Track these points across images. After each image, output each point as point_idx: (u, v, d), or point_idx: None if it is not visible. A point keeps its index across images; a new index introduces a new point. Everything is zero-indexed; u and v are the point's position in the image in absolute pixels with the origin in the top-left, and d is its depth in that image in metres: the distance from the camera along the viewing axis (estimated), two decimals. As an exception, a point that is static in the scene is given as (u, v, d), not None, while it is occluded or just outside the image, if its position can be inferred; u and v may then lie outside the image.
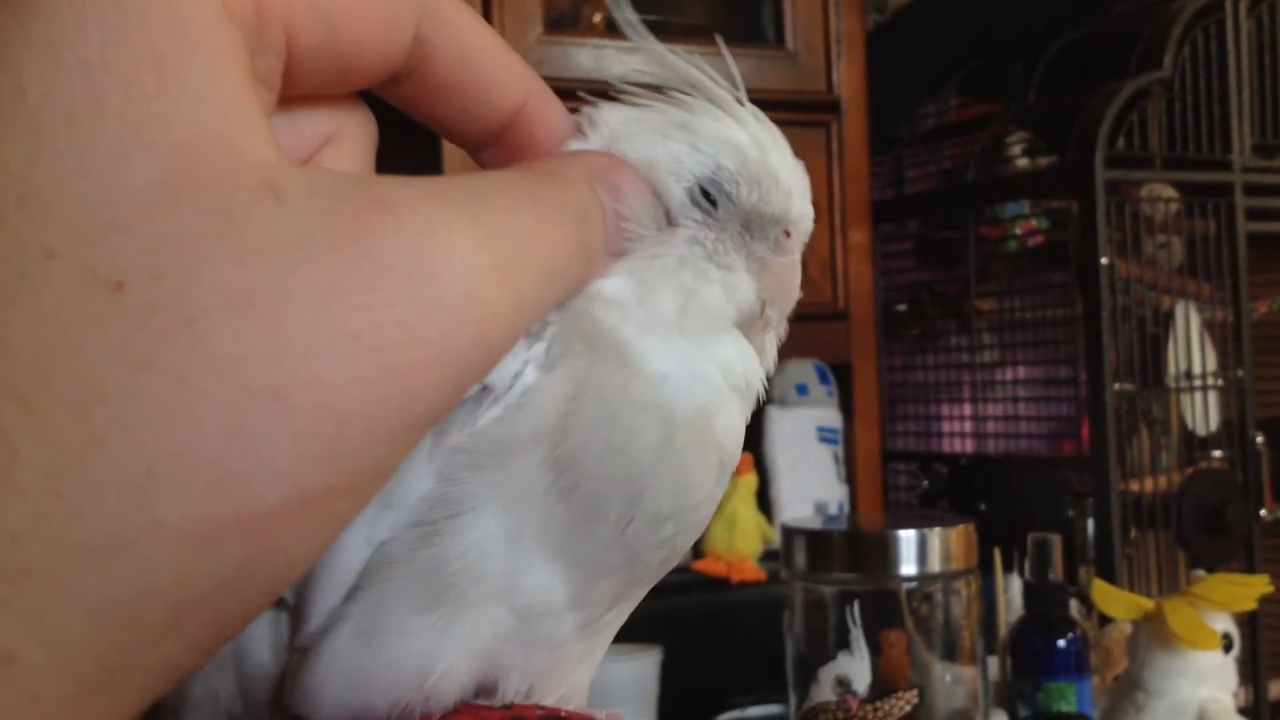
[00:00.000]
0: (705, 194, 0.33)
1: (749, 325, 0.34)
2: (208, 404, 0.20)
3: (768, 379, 0.36)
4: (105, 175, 0.21)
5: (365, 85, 0.27)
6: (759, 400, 0.35)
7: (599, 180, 0.30)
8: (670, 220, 0.33)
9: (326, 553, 0.29)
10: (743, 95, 0.35)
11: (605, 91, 0.34)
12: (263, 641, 0.31)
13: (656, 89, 0.34)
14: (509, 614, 0.31)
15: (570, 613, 0.32)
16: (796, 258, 0.35)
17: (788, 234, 0.34)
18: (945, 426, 1.87)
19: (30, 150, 0.21)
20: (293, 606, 0.30)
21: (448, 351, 0.23)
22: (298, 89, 0.25)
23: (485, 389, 0.29)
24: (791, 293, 0.35)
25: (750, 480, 1.58)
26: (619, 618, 0.34)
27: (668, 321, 0.32)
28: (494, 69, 0.29)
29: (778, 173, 0.34)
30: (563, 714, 0.31)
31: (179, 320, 0.20)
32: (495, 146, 0.31)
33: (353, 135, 0.28)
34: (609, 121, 0.33)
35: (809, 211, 0.35)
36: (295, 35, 0.24)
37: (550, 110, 0.31)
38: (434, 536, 0.30)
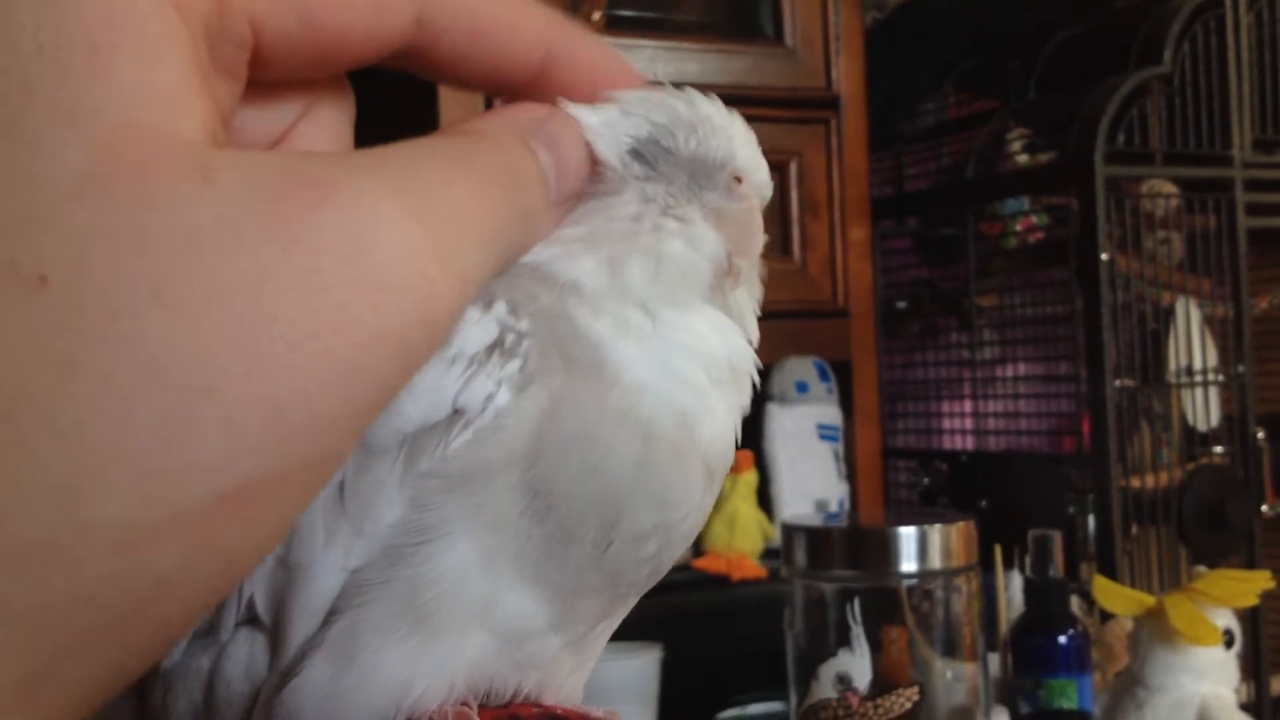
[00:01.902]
0: (646, 154, 0.33)
1: (719, 280, 0.33)
2: (135, 402, 0.20)
3: (765, 373, 0.35)
4: (32, 163, 0.20)
5: (358, 67, 0.27)
6: (756, 389, 0.34)
7: (533, 134, 0.29)
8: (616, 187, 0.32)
9: (301, 578, 0.29)
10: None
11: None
12: (238, 661, 0.30)
13: None
14: (489, 637, 0.30)
15: (554, 633, 0.31)
16: (754, 203, 0.34)
17: (738, 180, 0.34)
18: (946, 423, 1.87)
19: None
20: (269, 628, 0.30)
21: (387, 331, 0.22)
22: (275, 74, 0.25)
23: (457, 412, 0.29)
24: (755, 239, 0.34)
25: (750, 478, 1.58)
26: (608, 629, 0.34)
27: (641, 293, 0.31)
28: (507, 32, 0.28)
29: (710, 116, 0.34)
30: (559, 712, 0.31)
31: (104, 315, 0.20)
32: (532, 92, 0.30)
33: (329, 106, 0.28)
34: (591, 119, 0.32)
35: (759, 160, 0.35)
36: (262, 25, 0.24)
37: (580, 48, 0.30)
38: (408, 562, 0.29)
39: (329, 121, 0.28)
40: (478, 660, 0.30)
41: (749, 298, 0.35)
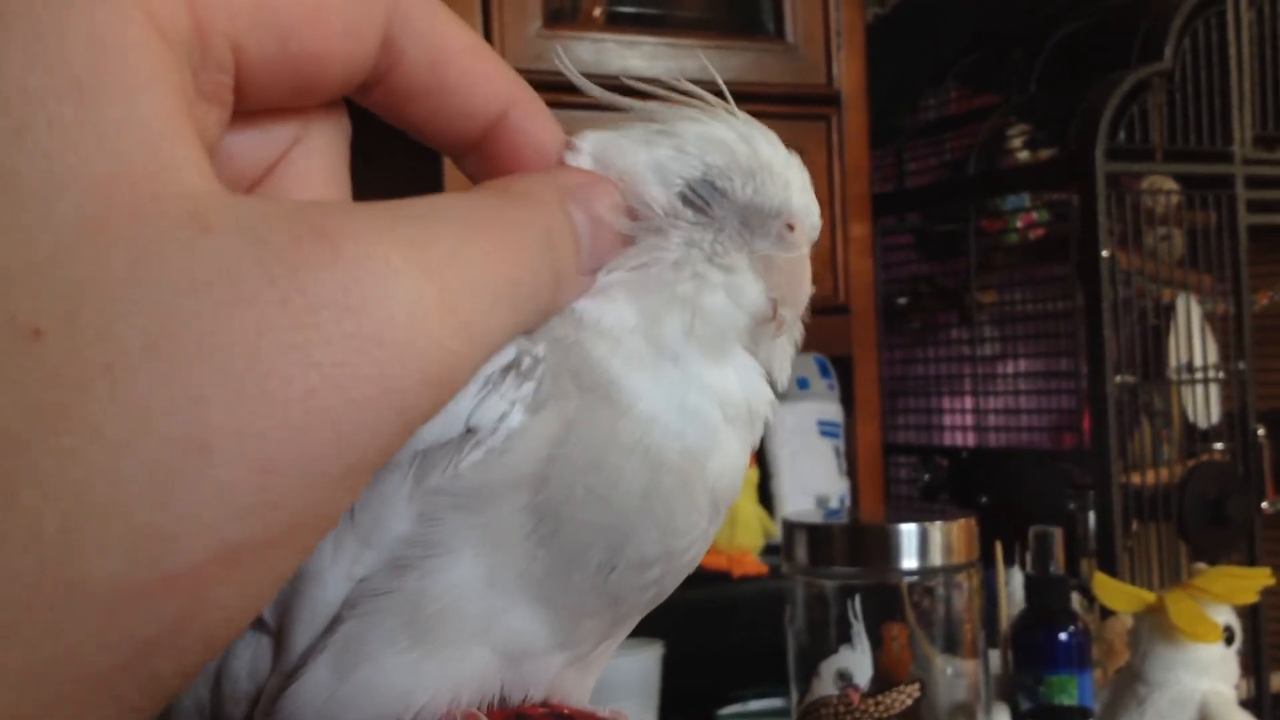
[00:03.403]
0: (698, 196, 0.32)
1: (762, 328, 0.33)
2: (126, 457, 0.19)
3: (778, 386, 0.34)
4: (25, 213, 0.20)
5: (332, 96, 0.26)
6: (768, 421, 0.34)
7: (572, 198, 0.28)
8: (662, 228, 0.32)
9: (306, 586, 0.29)
10: (726, 96, 0.34)
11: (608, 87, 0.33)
12: (242, 659, 0.31)
13: (642, 95, 0.33)
14: (491, 654, 0.30)
15: (556, 652, 0.31)
16: (804, 252, 0.33)
17: (791, 227, 0.33)
18: (946, 419, 1.87)
19: None
20: (274, 630, 0.30)
21: (388, 390, 0.21)
22: (256, 102, 0.24)
23: (470, 430, 0.29)
24: (803, 289, 0.33)
25: (751, 474, 1.58)
26: (610, 647, 0.34)
27: (675, 346, 0.31)
28: (470, 73, 0.27)
29: (770, 163, 0.33)
30: (566, 712, 0.31)
31: (97, 368, 0.19)
32: (476, 154, 0.29)
33: (322, 133, 0.27)
34: (588, 144, 0.31)
35: (812, 204, 0.34)
36: (243, 49, 0.23)
37: (537, 121, 0.29)
38: (413, 575, 0.29)
39: (322, 148, 0.27)
40: (480, 676, 0.30)
41: (788, 340, 0.34)
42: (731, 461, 0.32)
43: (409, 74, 0.26)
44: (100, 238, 0.20)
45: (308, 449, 0.20)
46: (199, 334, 0.20)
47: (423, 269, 0.22)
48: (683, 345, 0.31)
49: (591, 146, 0.31)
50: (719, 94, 0.34)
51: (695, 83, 0.33)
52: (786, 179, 0.33)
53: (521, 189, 0.27)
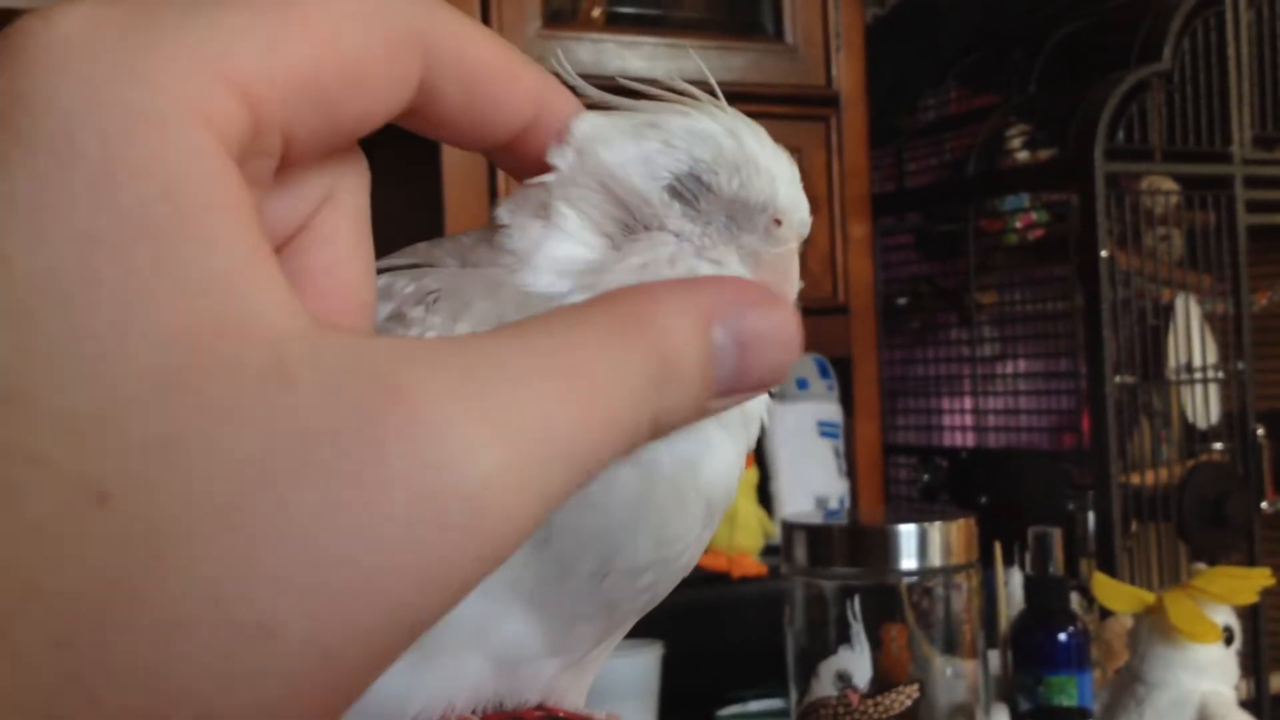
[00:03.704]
0: (685, 190, 0.32)
1: None
2: (190, 638, 0.18)
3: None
4: (99, 366, 0.19)
5: (358, 139, 0.25)
6: (764, 421, 0.34)
7: (723, 320, 0.24)
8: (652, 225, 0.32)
9: None
10: (718, 94, 0.33)
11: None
12: None
13: (636, 95, 0.33)
14: (484, 660, 0.30)
15: (550, 657, 0.31)
16: (792, 248, 0.33)
17: (778, 222, 0.33)
18: (946, 420, 1.87)
19: (18, 336, 0.19)
20: None
21: (449, 567, 0.20)
22: (289, 166, 0.23)
23: None
24: (790, 285, 0.33)
25: (750, 475, 1.58)
26: (605, 651, 0.34)
27: None
28: (501, 91, 0.26)
29: (756, 158, 0.32)
30: (561, 715, 0.31)
31: (165, 539, 0.18)
32: (508, 153, 0.28)
33: (349, 188, 0.26)
34: (577, 133, 0.31)
35: (801, 200, 0.34)
36: (291, 130, 0.22)
37: (564, 111, 0.28)
38: None
39: (349, 205, 0.26)
40: (474, 682, 0.30)
41: None
42: (726, 466, 0.32)
43: (443, 105, 0.25)
44: (177, 392, 0.19)
45: (368, 630, 0.19)
46: (269, 508, 0.19)
47: (503, 439, 0.20)
48: None
49: (581, 136, 0.31)
50: (711, 92, 0.34)
51: (692, 83, 0.33)
52: (773, 174, 0.33)
53: (644, 313, 0.23)
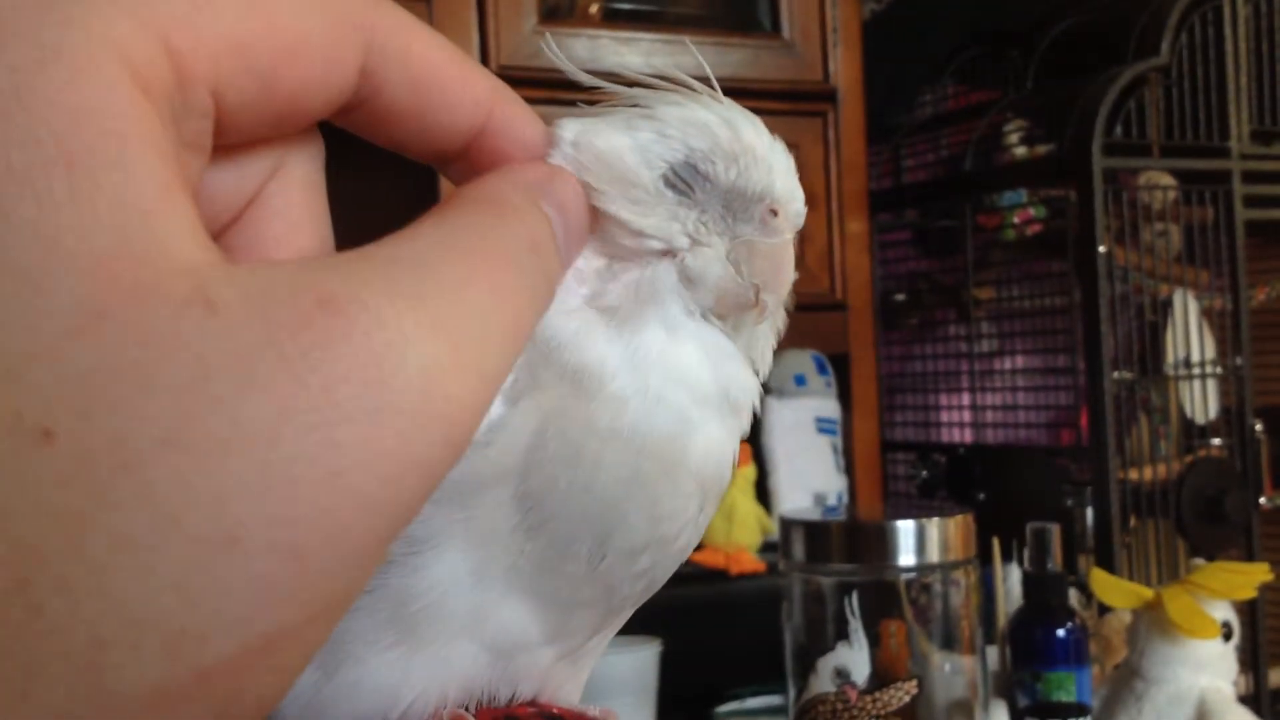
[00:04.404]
0: (680, 179, 0.32)
1: (744, 314, 0.33)
2: (154, 560, 0.18)
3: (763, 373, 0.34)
4: (23, 300, 0.19)
5: (306, 125, 0.25)
6: (756, 411, 0.33)
7: (541, 194, 0.27)
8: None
9: None
10: (715, 87, 0.33)
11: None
12: None
13: (629, 84, 0.33)
14: (479, 649, 0.30)
15: (546, 646, 0.31)
16: (788, 238, 0.33)
17: (774, 212, 0.33)
18: (944, 416, 1.87)
19: None
20: None
21: (412, 457, 0.20)
22: (232, 140, 0.24)
23: None
24: (785, 275, 0.33)
25: (749, 471, 1.58)
26: (602, 642, 0.34)
27: (635, 329, 0.31)
28: (450, 90, 0.26)
29: (753, 147, 0.32)
30: (556, 711, 0.31)
31: (115, 467, 0.18)
32: (461, 162, 0.28)
33: (299, 162, 0.26)
34: (569, 131, 0.31)
35: (796, 190, 0.34)
36: (224, 93, 0.22)
37: (518, 120, 0.28)
38: (397, 572, 0.29)
39: (299, 177, 0.26)
40: (468, 672, 0.30)
41: (769, 329, 0.34)
42: (715, 446, 0.32)
43: (390, 98, 0.25)
44: (104, 324, 0.19)
45: (338, 530, 0.20)
46: (217, 424, 0.19)
47: (433, 325, 0.21)
48: (642, 315, 0.31)
49: (573, 134, 0.31)
50: (708, 84, 0.33)
51: (692, 77, 0.33)
52: (770, 164, 0.33)
53: (495, 196, 0.26)
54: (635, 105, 0.33)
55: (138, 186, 0.20)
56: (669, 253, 0.32)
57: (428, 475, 0.21)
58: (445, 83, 0.26)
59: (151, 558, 0.18)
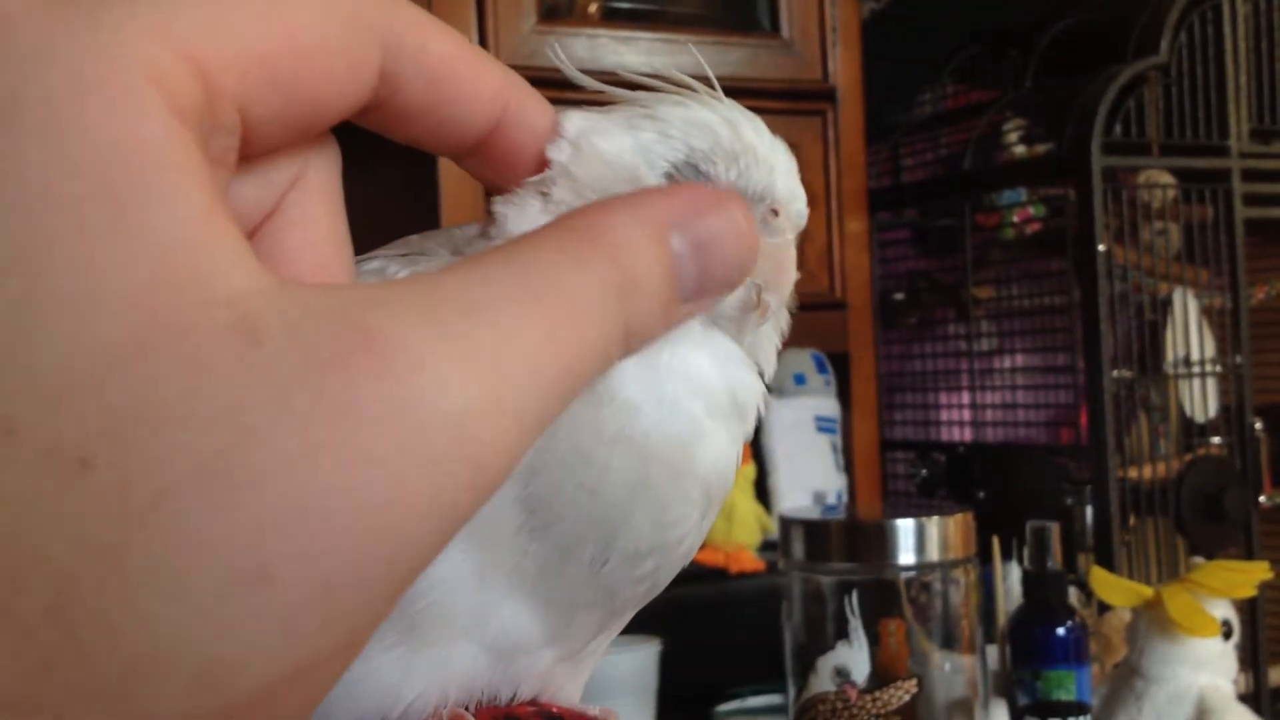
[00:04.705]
0: (683, 179, 0.32)
1: (747, 315, 0.33)
2: (187, 591, 0.19)
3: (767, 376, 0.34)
4: (65, 333, 0.19)
5: (326, 129, 0.25)
6: (760, 412, 0.33)
7: (679, 226, 0.25)
8: None
9: None
10: (715, 87, 0.34)
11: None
12: None
13: (632, 86, 0.33)
14: (480, 650, 0.30)
15: (548, 648, 0.31)
16: (790, 238, 0.33)
17: (775, 213, 0.33)
18: (943, 415, 1.87)
19: None
20: None
21: (439, 499, 0.20)
22: (255, 150, 0.23)
23: None
24: (787, 275, 0.33)
25: (748, 470, 1.58)
26: (603, 643, 0.34)
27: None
28: (466, 86, 0.26)
29: (755, 146, 0.33)
30: (556, 711, 0.31)
31: (151, 497, 0.18)
32: (476, 155, 0.28)
33: (317, 169, 0.26)
34: (570, 129, 0.31)
35: (798, 190, 0.34)
36: (249, 108, 0.22)
37: (532, 110, 0.28)
38: None
39: (319, 186, 0.26)
40: (469, 672, 0.30)
41: (773, 330, 0.34)
42: (721, 452, 0.32)
43: (407, 96, 0.25)
44: (146, 355, 0.19)
45: (367, 565, 0.20)
46: (254, 456, 0.19)
47: (474, 370, 0.21)
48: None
49: (575, 130, 0.31)
50: (709, 85, 0.34)
51: (691, 76, 0.33)
52: (771, 164, 0.33)
53: (596, 225, 0.24)
54: (637, 105, 0.33)
55: (179, 216, 0.20)
56: None
57: (455, 516, 0.21)
58: (461, 78, 0.26)
59: (185, 589, 0.19)
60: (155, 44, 0.20)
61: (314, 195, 0.26)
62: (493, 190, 0.31)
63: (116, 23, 0.20)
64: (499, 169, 0.29)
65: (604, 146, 0.31)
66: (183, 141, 0.20)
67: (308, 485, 0.19)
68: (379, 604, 0.21)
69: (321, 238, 0.26)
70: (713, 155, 0.32)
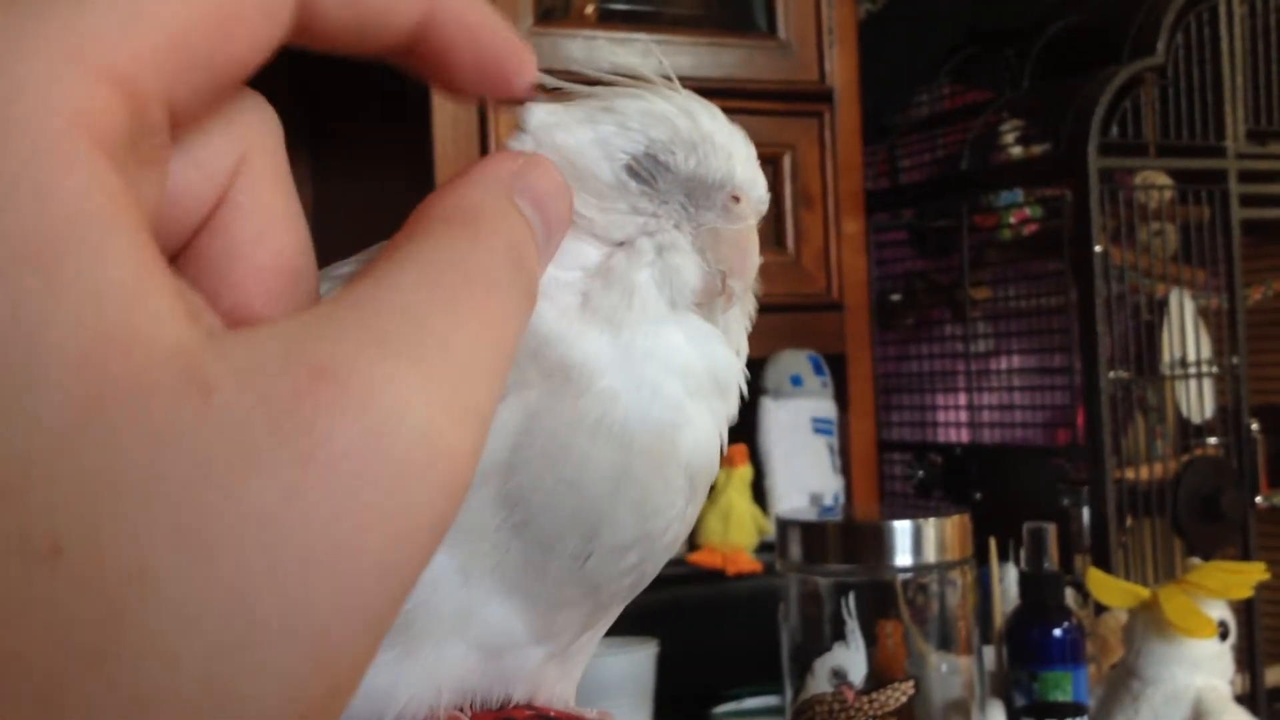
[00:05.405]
0: (643, 169, 0.32)
1: (713, 301, 0.33)
2: (179, 668, 0.18)
3: (759, 367, 0.35)
4: (12, 406, 0.18)
5: (249, 78, 0.24)
6: (742, 388, 0.34)
7: (518, 191, 0.26)
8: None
9: None
10: (673, 81, 0.34)
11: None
12: None
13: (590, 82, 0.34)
14: (469, 649, 0.30)
15: (535, 645, 0.31)
16: (751, 224, 0.34)
17: (736, 199, 0.33)
18: (940, 416, 1.87)
19: None
20: None
21: (419, 517, 0.20)
22: (186, 123, 0.22)
23: None
24: (750, 260, 0.34)
25: (745, 472, 1.58)
26: (593, 640, 0.34)
27: (622, 319, 0.31)
28: None
29: (712, 135, 0.33)
30: (553, 714, 0.31)
31: (128, 577, 0.18)
32: (408, 56, 0.27)
33: (260, 150, 0.25)
34: (533, 121, 0.32)
35: (758, 177, 0.34)
36: (175, 95, 0.21)
37: (462, 9, 0.27)
38: None
39: (265, 170, 0.25)
40: (460, 672, 0.30)
41: (741, 314, 0.35)
42: (704, 435, 0.32)
43: (328, 17, 0.24)
44: (99, 421, 0.18)
45: (357, 601, 0.19)
46: (223, 517, 0.18)
47: (426, 380, 0.21)
48: (630, 318, 0.31)
49: (536, 124, 0.32)
50: (665, 77, 0.34)
51: (681, 80, 0.34)
52: (730, 151, 0.33)
53: (467, 209, 0.25)
54: (596, 99, 0.33)
55: (113, 269, 0.19)
56: (632, 243, 0.32)
57: (436, 528, 0.21)
58: None
59: (174, 666, 0.18)
60: (72, 68, 0.19)
61: (260, 179, 0.25)
62: (436, 88, 0.31)
63: (30, 50, 0.19)
64: (432, 67, 0.28)
65: (564, 140, 0.32)
66: (108, 183, 0.19)
67: (287, 535, 0.19)
68: (373, 636, 0.20)
69: (275, 227, 0.25)
70: (671, 145, 0.33)
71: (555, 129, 0.32)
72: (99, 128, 0.19)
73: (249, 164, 0.25)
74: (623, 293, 0.31)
